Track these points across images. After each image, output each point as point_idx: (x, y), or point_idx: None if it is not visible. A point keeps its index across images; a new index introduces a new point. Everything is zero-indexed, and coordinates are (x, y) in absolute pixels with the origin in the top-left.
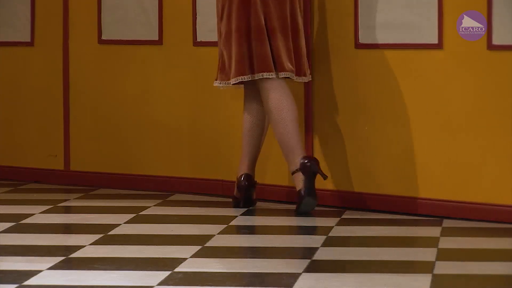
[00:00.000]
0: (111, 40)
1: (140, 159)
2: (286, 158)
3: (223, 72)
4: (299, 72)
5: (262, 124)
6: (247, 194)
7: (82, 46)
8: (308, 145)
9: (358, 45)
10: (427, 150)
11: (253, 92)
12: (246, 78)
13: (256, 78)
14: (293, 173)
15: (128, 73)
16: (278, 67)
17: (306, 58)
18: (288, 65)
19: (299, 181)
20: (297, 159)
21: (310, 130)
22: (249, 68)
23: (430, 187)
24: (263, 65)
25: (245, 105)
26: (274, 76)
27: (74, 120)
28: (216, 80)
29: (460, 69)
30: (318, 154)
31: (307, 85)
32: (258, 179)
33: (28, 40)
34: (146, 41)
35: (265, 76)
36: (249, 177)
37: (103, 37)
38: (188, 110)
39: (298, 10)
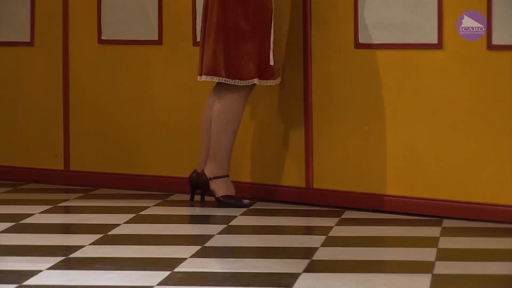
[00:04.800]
0: (111, 40)
1: (140, 159)
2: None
3: None
4: (231, 75)
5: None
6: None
7: (82, 46)
8: (308, 145)
9: (358, 45)
10: (427, 150)
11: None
12: (199, 78)
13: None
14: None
15: (128, 73)
16: (201, 71)
17: (244, 61)
18: (209, 68)
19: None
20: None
21: (310, 130)
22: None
23: (430, 187)
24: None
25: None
26: (200, 79)
27: (74, 120)
28: None
29: (460, 69)
30: (317, 154)
31: (306, 85)
32: (256, 179)
33: (28, 40)
34: (146, 41)
35: (198, 79)
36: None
37: (103, 37)
38: (188, 110)
39: (238, 13)
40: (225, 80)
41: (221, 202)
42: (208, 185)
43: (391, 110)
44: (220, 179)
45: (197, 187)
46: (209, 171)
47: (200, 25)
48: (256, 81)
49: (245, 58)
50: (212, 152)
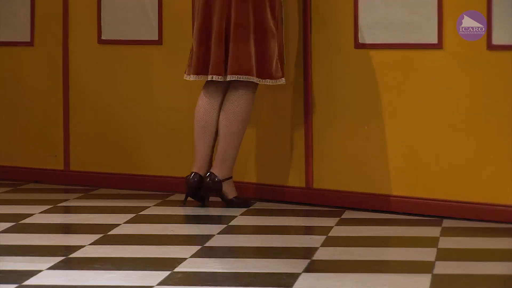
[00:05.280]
0: (111, 40)
1: (140, 159)
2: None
3: (189, 66)
4: (262, 74)
5: (215, 123)
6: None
7: (82, 46)
8: (308, 145)
9: (358, 45)
10: (427, 150)
11: (214, 90)
12: (199, 77)
13: (209, 79)
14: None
15: (128, 73)
16: (228, 70)
17: (275, 61)
18: (241, 68)
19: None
20: (192, 168)
21: (309, 130)
22: (205, 68)
23: (430, 187)
24: (214, 68)
25: (201, 102)
26: (222, 79)
27: (74, 120)
28: (184, 73)
29: (459, 69)
30: (317, 154)
31: (306, 85)
32: (256, 179)
33: (28, 40)
34: (146, 41)
35: (214, 79)
36: (201, 176)
37: (103, 37)
38: (187, 110)
39: (267, 12)
40: (258, 80)
41: (234, 204)
42: (221, 188)
43: (391, 110)
44: (229, 181)
45: (198, 190)
46: (220, 173)
47: (202, 24)
48: (283, 80)
49: (275, 58)
50: (224, 154)
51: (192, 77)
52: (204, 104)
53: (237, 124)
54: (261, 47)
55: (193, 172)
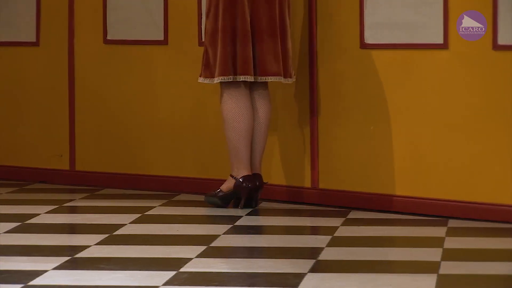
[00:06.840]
0: (116, 40)
1: (145, 159)
2: (231, 159)
3: (207, 69)
4: (285, 74)
5: (253, 121)
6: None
7: (87, 46)
8: (313, 144)
9: (363, 45)
10: (432, 150)
11: (242, 91)
12: (228, 78)
13: (238, 79)
14: (231, 175)
15: (133, 73)
16: (259, 71)
17: (291, 60)
18: (273, 69)
19: (229, 184)
20: (241, 172)
21: (315, 130)
22: (233, 69)
23: (436, 187)
24: (244, 68)
25: (235, 104)
26: (253, 79)
27: (79, 120)
28: (200, 76)
29: (465, 69)
30: (323, 154)
31: (311, 85)
32: (264, 179)
33: (33, 40)
34: (151, 41)
35: (247, 79)
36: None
37: (108, 37)
38: (193, 110)
39: (287, 11)
40: (283, 80)
41: (258, 203)
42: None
43: (396, 110)
44: None
45: (255, 191)
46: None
47: (226, 25)
48: (294, 78)
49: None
50: (262, 155)
51: (217, 79)
52: (245, 106)
53: (269, 125)
54: (283, 47)
55: (250, 175)
